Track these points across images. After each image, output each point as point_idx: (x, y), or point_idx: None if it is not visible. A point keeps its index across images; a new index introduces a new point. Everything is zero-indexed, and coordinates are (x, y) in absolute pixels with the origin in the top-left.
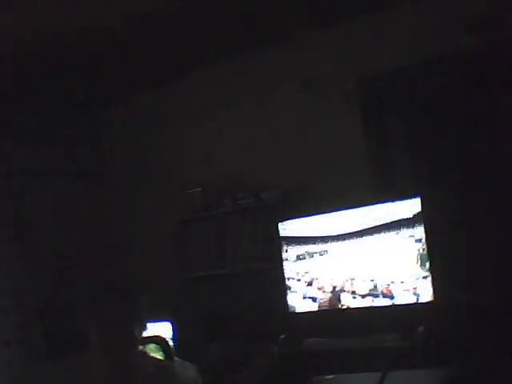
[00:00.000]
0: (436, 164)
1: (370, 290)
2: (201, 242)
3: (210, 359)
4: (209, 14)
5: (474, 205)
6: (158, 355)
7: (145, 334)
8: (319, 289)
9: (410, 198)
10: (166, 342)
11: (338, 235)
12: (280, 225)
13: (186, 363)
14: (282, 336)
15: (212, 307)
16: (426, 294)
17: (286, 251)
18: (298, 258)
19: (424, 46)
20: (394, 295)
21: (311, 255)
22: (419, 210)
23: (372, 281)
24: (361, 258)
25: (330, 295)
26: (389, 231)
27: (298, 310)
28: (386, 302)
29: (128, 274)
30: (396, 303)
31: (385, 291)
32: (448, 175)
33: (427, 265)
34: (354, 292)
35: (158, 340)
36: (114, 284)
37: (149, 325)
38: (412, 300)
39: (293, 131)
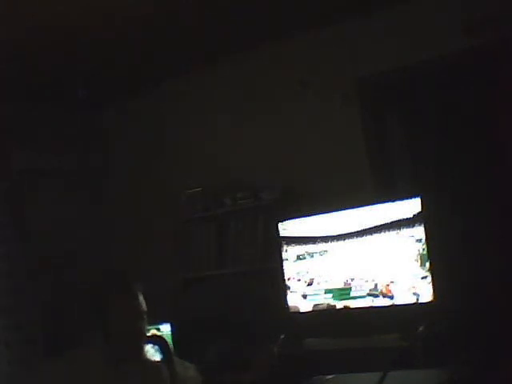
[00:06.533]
0: (436, 164)
1: (370, 290)
2: (201, 242)
3: (210, 359)
4: (209, 13)
5: (474, 205)
6: (158, 356)
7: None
8: (319, 289)
9: (410, 198)
10: (166, 342)
11: (338, 235)
12: (280, 225)
13: (186, 363)
14: (282, 336)
15: (212, 307)
16: (426, 294)
17: (286, 251)
18: (298, 257)
19: (424, 46)
20: (394, 295)
21: (311, 255)
22: (419, 209)
23: (372, 281)
24: (361, 257)
25: (329, 295)
26: (389, 231)
27: (297, 310)
28: (386, 302)
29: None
30: (396, 303)
31: (385, 291)
32: (448, 175)
33: (427, 265)
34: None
35: (157, 340)
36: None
37: (149, 325)
38: (412, 300)
39: (292, 131)
